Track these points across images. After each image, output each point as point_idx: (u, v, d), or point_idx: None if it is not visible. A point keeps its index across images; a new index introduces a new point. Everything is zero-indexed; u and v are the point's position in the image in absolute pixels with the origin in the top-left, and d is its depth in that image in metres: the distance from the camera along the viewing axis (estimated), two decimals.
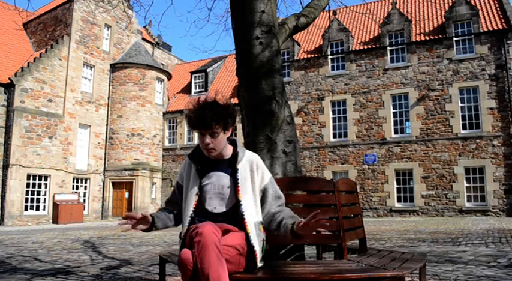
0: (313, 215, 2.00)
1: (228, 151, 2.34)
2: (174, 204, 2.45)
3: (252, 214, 2.24)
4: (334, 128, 21.42)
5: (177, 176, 2.49)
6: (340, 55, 21.82)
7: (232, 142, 2.37)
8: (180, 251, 2.06)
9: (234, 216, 2.23)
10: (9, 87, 19.52)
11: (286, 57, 22.68)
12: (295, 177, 3.19)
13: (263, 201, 2.34)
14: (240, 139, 2.57)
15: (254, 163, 2.34)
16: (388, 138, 19.97)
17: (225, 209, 2.25)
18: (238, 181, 2.26)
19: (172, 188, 2.61)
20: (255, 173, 2.32)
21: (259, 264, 2.20)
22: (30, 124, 19.83)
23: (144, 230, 2.28)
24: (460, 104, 18.91)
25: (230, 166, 2.31)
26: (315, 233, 2.76)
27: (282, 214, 2.26)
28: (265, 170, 2.38)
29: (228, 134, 2.27)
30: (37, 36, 24.16)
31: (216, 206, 2.25)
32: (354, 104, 20.90)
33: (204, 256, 1.88)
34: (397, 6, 21.85)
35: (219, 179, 2.28)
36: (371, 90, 20.65)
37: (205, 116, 2.14)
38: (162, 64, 29.44)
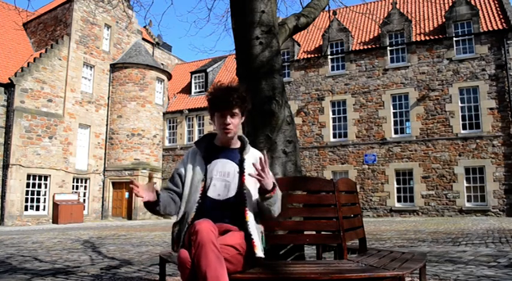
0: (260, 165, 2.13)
1: (236, 143, 2.40)
2: (174, 193, 2.36)
3: (254, 205, 2.28)
4: (334, 128, 21.42)
5: (179, 164, 2.43)
6: (340, 55, 21.82)
7: (239, 137, 2.43)
8: (179, 249, 2.05)
9: (236, 204, 2.25)
10: (9, 87, 19.52)
11: (286, 57, 22.68)
12: (295, 177, 3.19)
13: None
14: None
15: (258, 159, 2.36)
16: (388, 138, 19.97)
17: (228, 197, 2.26)
18: (245, 170, 2.30)
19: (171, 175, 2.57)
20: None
21: (260, 254, 2.15)
22: (30, 124, 19.83)
23: (147, 206, 2.18)
24: (460, 104, 18.91)
25: (239, 155, 2.36)
26: (314, 232, 2.76)
27: None
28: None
29: (242, 119, 2.37)
30: (37, 36, 24.16)
31: (220, 193, 2.27)
32: (354, 104, 20.90)
33: (202, 255, 1.87)
34: (397, 6, 21.85)
35: (224, 166, 2.31)
36: (371, 90, 20.65)
37: (230, 97, 2.23)
38: (162, 64, 29.44)
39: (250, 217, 2.22)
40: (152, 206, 2.19)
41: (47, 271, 4.66)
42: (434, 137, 19.09)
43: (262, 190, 2.18)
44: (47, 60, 21.06)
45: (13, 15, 21.73)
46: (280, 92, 3.36)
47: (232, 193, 2.26)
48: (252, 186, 2.29)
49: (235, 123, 2.29)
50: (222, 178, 2.28)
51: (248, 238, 2.16)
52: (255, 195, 2.29)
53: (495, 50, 18.52)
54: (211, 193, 2.26)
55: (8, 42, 22.33)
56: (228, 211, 2.24)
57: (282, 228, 2.72)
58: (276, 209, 2.27)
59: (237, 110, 2.27)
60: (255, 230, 2.20)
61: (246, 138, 2.44)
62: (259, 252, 2.16)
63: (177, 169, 2.42)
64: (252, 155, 2.38)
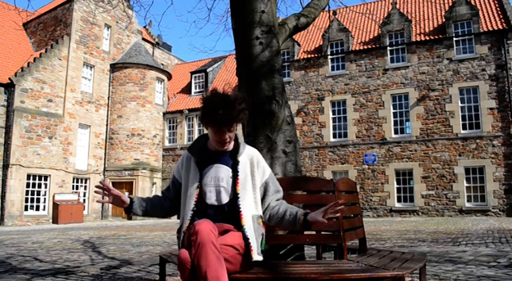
0: (333, 205, 2.12)
1: (230, 144, 2.35)
2: (166, 198, 2.45)
3: (250, 208, 2.25)
4: (334, 128, 21.42)
5: (174, 171, 2.46)
6: (340, 55, 21.82)
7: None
8: (179, 249, 2.05)
9: (232, 209, 2.24)
10: (9, 87, 19.51)
11: (286, 57, 22.68)
12: (295, 177, 3.19)
13: (264, 195, 2.36)
14: None
15: (255, 158, 2.36)
16: (388, 138, 19.97)
17: (224, 202, 2.25)
18: (238, 173, 2.27)
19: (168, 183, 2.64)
20: (255, 168, 2.34)
21: (257, 257, 2.16)
22: (30, 124, 19.82)
23: (125, 211, 2.37)
24: (460, 104, 18.91)
25: (231, 158, 2.32)
26: (314, 232, 2.76)
27: (283, 206, 2.33)
28: (265, 165, 2.41)
29: (239, 124, 2.34)
30: (37, 36, 24.16)
31: (216, 199, 2.26)
32: (354, 104, 20.90)
33: (202, 255, 1.87)
34: (397, 6, 21.85)
35: (218, 172, 2.29)
36: (371, 90, 20.65)
37: (230, 116, 2.13)
38: (162, 64, 29.44)
39: (246, 221, 2.19)
40: (128, 209, 2.35)
41: (47, 271, 4.66)
42: (434, 137, 19.09)
43: (313, 221, 2.19)
44: (47, 60, 21.05)
45: (13, 15, 21.71)
46: (280, 92, 3.36)
47: (227, 198, 2.25)
48: (248, 189, 2.28)
49: (232, 135, 2.25)
50: (216, 183, 2.26)
51: (246, 242, 2.15)
52: (252, 197, 2.28)
53: (495, 50, 18.51)
54: (207, 200, 2.25)
55: (8, 42, 22.32)
56: (225, 216, 2.23)
57: (282, 228, 2.72)
58: None
59: (235, 124, 2.22)
60: (253, 234, 2.19)
61: (241, 138, 2.38)
62: (256, 256, 2.15)
63: (173, 176, 2.45)
64: (247, 155, 2.35)
